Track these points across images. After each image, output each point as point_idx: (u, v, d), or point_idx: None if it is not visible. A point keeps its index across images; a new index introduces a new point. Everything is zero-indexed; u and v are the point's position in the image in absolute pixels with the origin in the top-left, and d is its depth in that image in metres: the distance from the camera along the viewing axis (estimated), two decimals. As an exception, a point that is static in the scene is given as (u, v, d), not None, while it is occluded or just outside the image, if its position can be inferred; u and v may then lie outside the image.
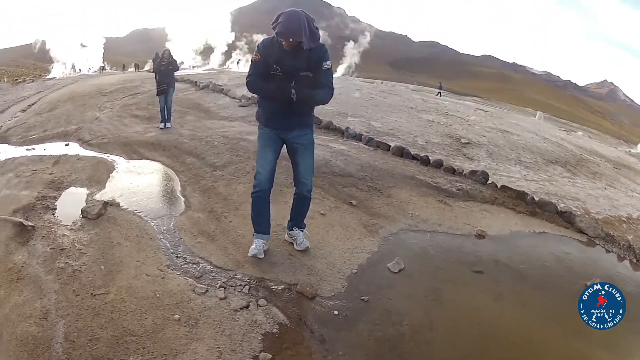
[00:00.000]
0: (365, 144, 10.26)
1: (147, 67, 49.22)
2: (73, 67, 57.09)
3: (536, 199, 7.45)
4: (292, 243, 5.07)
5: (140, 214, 6.00)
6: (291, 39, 4.11)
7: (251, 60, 4.58)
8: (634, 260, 6.14)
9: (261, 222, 4.81)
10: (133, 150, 9.75)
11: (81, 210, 5.89)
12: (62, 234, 5.35)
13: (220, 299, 4.10)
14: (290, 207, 5.01)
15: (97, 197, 6.61)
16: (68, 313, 3.87)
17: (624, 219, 7.92)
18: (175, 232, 5.42)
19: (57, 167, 8.29)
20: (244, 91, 15.70)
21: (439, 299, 4.37)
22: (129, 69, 57.06)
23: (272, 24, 4.17)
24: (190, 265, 4.68)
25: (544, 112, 46.31)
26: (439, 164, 8.76)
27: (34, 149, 10.57)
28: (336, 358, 3.52)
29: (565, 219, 7.01)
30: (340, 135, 11.15)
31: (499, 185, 7.86)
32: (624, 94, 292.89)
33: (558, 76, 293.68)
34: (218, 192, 6.79)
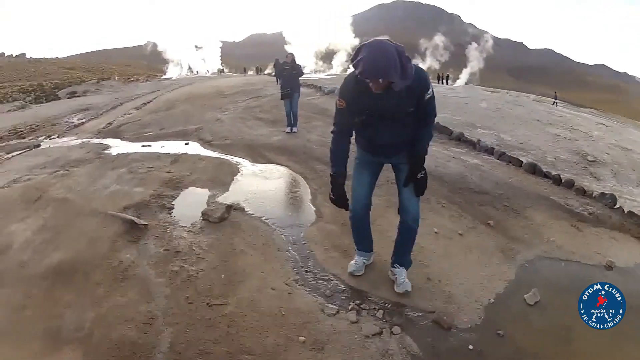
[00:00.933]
0: (498, 159, 10.23)
1: (267, 71, 50.93)
2: (190, 68, 60.08)
3: (660, 228, 6.83)
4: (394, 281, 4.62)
5: (267, 221, 5.95)
6: (380, 80, 3.49)
7: (335, 106, 4.08)
8: None
9: (360, 241, 4.68)
10: (258, 153, 9.94)
11: (202, 213, 5.94)
12: (179, 236, 5.40)
13: (352, 322, 3.96)
14: (395, 240, 4.58)
15: (220, 199, 6.64)
16: (177, 321, 3.85)
17: None
18: (305, 243, 5.33)
19: (175, 165, 8.53)
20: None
21: (569, 337, 4.10)
22: (249, 72, 59.26)
23: (351, 60, 3.61)
24: (321, 282, 4.53)
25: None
26: (570, 184, 8.51)
27: (149, 145, 11.05)
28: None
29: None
30: (471, 147, 11.02)
31: (625, 211, 7.28)
32: None
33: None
34: (352, 203, 6.58)
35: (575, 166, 10.57)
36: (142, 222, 5.65)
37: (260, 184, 7.59)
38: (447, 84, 51.91)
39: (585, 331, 4.01)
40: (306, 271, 4.70)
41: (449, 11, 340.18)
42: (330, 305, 4.13)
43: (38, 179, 7.74)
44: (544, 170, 9.14)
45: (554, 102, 46.76)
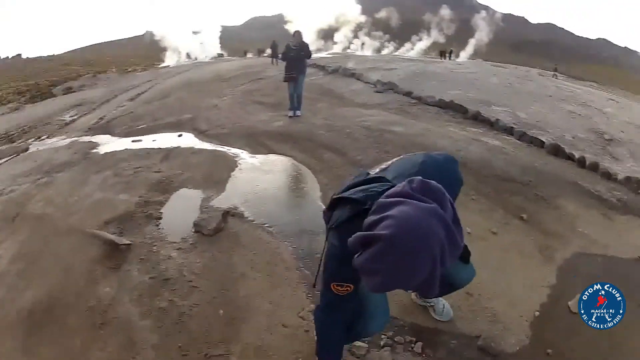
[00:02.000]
0: (518, 139, 10.07)
1: (267, 53, 50.64)
2: (188, 55, 59.85)
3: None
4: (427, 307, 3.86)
5: (270, 229, 5.19)
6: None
7: (330, 288, 2.52)
8: None
9: None
10: (259, 142, 9.14)
11: (194, 224, 5.17)
12: (167, 256, 4.63)
13: (387, 363, 3.34)
14: None
15: (215, 203, 5.91)
16: (170, 382, 3.24)
17: None
18: (320, 256, 4.30)
19: (166, 163, 7.79)
20: (378, 75, 15.69)
21: (615, 344, 3.76)
22: (249, 55, 59.12)
23: (357, 245, 1.83)
24: (344, 309, 3.70)
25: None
26: (594, 167, 8.44)
27: (140, 140, 10.26)
28: None
29: None
30: (489, 127, 10.87)
31: (651, 196, 7.40)
32: None
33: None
34: (369, 199, 5.78)
35: (594, 146, 10.58)
36: (125, 241, 4.86)
37: (261, 180, 6.86)
38: (450, 59, 51.65)
39: (627, 332, 3.81)
40: (324, 296, 3.85)
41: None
42: (358, 344, 3.39)
43: (21, 189, 7.05)
44: (567, 151, 9.17)
45: (554, 74, 49.16)
